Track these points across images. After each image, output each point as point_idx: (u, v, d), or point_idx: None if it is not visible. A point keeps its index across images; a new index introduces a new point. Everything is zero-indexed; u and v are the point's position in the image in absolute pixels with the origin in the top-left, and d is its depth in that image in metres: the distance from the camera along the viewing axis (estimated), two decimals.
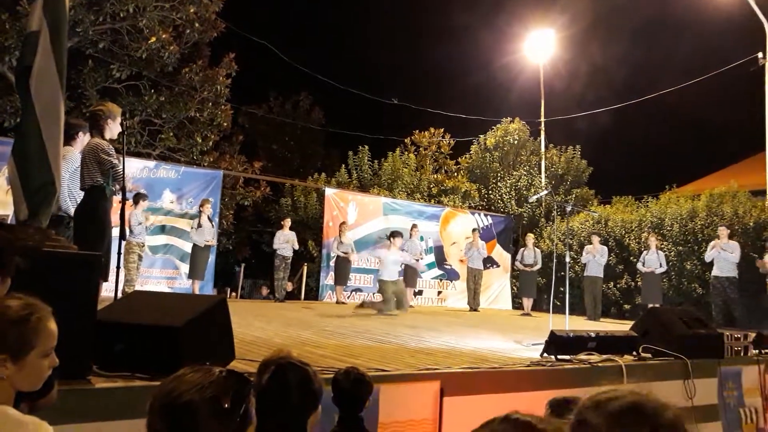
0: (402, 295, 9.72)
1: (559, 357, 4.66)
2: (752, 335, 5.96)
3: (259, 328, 6.14)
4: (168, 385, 1.30)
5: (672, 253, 11.87)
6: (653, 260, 11.01)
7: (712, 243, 10.37)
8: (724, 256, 10.02)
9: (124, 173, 4.81)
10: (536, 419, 1.20)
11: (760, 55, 12.96)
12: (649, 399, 1.11)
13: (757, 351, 5.91)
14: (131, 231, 8.80)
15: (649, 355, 5.17)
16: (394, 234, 10.14)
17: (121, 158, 4.86)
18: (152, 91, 13.87)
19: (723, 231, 10.26)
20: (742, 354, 5.71)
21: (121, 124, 5.11)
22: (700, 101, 21.63)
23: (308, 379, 2.24)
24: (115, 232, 5.11)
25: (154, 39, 13.08)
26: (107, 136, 4.91)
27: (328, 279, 12.51)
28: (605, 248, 12.00)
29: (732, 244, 10.13)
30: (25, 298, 1.73)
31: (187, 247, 10.65)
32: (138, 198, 9.10)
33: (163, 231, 10.84)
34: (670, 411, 1.08)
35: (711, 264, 10.51)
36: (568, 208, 8.06)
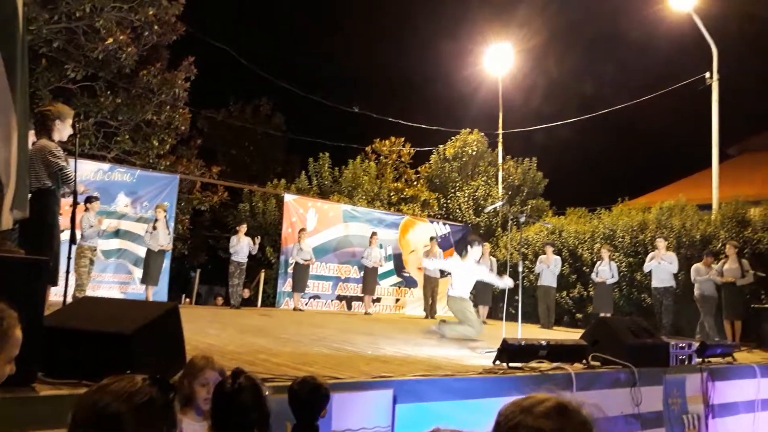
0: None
1: (510, 365, 4.75)
2: (696, 344, 6.18)
3: (213, 335, 6.06)
4: (92, 396, 1.28)
5: (623, 264, 12.19)
6: (606, 271, 11.30)
7: (651, 254, 10.74)
8: (663, 267, 10.39)
9: (75, 176, 4.70)
10: None
11: (707, 75, 13.46)
12: (567, 399, 1.19)
13: (700, 360, 6.12)
14: (83, 235, 8.59)
15: (598, 363, 5.31)
16: (472, 242, 8.23)
17: (73, 161, 4.75)
18: (108, 92, 13.58)
19: (661, 243, 10.66)
20: (686, 362, 5.91)
21: (73, 126, 4.99)
22: (652, 117, 22.38)
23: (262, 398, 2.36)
24: (65, 235, 5.01)
25: (111, 40, 12.82)
26: (55, 137, 4.78)
27: (285, 286, 12.43)
28: (558, 258, 12.25)
29: (670, 255, 10.53)
30: None
31: (141, 252, 10.44)
32: (90, 201, 8.88)
33: (116, 235, 10.62)
34: (585, 408, 1.18)
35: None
36: (522, 219, 8.22)
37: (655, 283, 10.56)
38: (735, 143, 21.45)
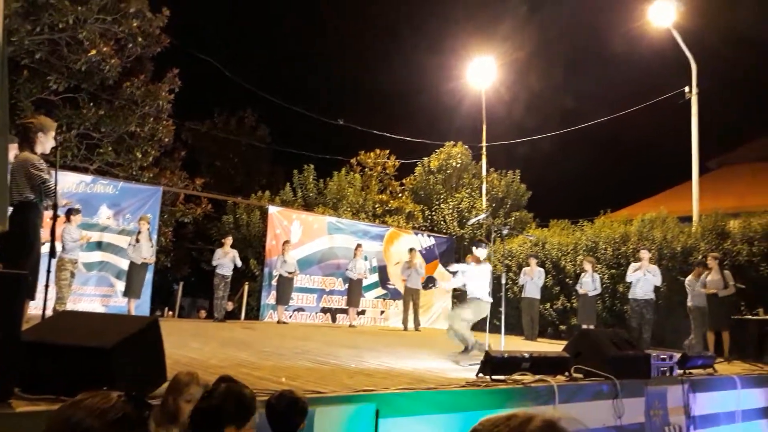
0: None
1: (494, 377, 4.76)
2: (677, 356, 6.22)
3: (196, 348, 6.01)
4: (65, 411, 1.28)
5: (605, 276, 12.27)
6: (588, 282, 11.35)
7: (635, 265, 10.63)
8: (647, 279, 10.33)
9: (56, 189, 4.67)
10: None
11: (687, 89, 13.67)
12: (549, 415, 1.19)
13: (681, 371, 6.17)
14: (64, 247, 8.50)
15: (580, 376, 5.33)
16: (478, 244, 7.88)
17: (54, 173, 4.72)
18: (91, 104, 13.51)
19: (645, 254, 10.57)
20: (667, 374, 5.95)
21: (55, 138, 4.97)
22: (633, 131, 22.66)
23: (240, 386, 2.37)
24: (45, 248, 4.96)
25: (94, 51, 12.78)
26: (38, 150, 4.76)
27: (269, 298, 12.36)
28: (542, 270, 12.32)
29: (654, 268, 10.50)
30: None
31: (124, 265, 10.35)
32: (71, 213, 8.80)
33: (99, 247, 10.51)
34: (565, 422, 1.17)
35: None
36: (505, 231, 8.25)
37: (636, 294, 10.39)
38: (715, 156, 21.79)
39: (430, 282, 14.47)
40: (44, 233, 5.02)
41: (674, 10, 13.73)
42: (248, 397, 2.55)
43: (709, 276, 9.92)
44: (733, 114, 24.30)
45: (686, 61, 13.71)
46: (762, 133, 21.43)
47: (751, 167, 19.71)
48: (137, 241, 10.05)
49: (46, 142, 4.79)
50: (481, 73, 18.27)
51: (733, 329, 9.56)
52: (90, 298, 10.31)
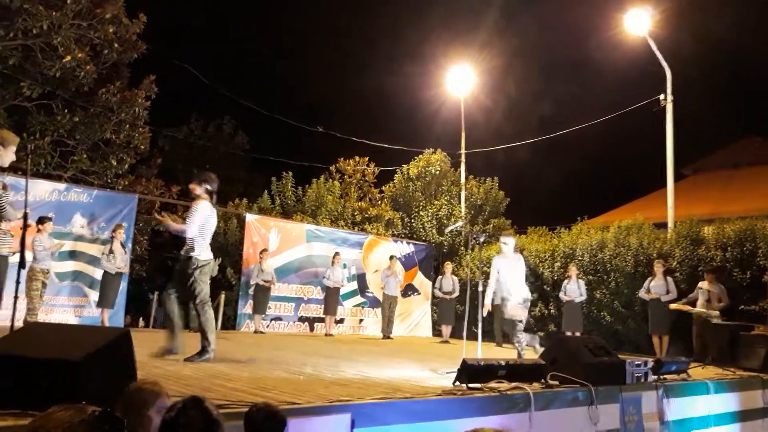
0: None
1: (470, 385, 4.76)
2: (651, 362, 6.28)
3: (170, 360, 5.93)
4: (36, 422, 1.26)
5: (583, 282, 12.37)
6: (574, 289, 11.43)
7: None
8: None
9: (27, 199, 4.58)
10: None
11: (662, 97, 13.87)
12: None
13: (656, 377, 6.23)
14: (35, 257, 8.35)
15: (556, 383, 5.34)
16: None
17: (25, 181, 4.64)
18: (66, 110, 13.33)
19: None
20: (642, 380, 6.01)
21: (25, 147, 4.89)
22: (611, 138, 22.94)
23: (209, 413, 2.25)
24: (15, 258, 4.87)
25: (69, 57, 12.62)
26: None
27: (246, 308, 12.26)
28: None
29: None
30: None
31: (98, 274, 10.19)
32: (42, 222, 8.64)
33: (72, 257, 10.34)
34: None
35: (619, 294, 11.19)
36: (481, 239, 8.28)
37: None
38: (689, 163, 22.14)
39: (409, 290, 14.49)
40: (14, 243, 4.93)
41: (649, 18, 13.95)
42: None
43: (653, 282, 10.28)
44: (707, 121, 24.75)
45: (661, 69, 13.91)
46: (735, 139, 21.88)
47: (725, 174, 20.07)
48: (111, 250, 9.90)
49: (4, 156, 4.68)
50: (459, 80, 18.37)
51: (710, 334, 9.65)
52: (62, 309, 10.13)
